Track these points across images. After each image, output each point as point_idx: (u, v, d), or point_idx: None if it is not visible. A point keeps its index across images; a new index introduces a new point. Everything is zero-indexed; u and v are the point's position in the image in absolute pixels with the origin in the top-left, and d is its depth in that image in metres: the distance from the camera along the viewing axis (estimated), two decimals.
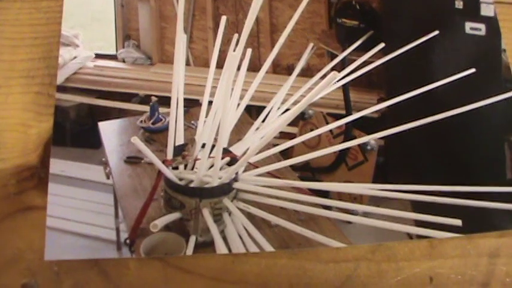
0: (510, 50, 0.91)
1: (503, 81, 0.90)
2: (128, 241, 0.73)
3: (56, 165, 0.75)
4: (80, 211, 0.77)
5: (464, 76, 0.88)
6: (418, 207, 0.78)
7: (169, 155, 0.79)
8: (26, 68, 0.80)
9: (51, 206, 0.71)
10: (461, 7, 0.95)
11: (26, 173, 0.74)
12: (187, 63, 0.95)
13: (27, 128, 0.77)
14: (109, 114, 0.88)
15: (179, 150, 0.80)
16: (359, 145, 0.87)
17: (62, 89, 0.81)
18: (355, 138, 0.86)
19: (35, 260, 0.68)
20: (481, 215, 0.78)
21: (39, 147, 0.75)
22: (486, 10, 0.94)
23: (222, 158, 0.78)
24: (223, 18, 0.91)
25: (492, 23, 0.93)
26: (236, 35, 0.88)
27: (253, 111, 0.88)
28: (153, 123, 0.87)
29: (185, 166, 0.80)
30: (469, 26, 0.94)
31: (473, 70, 0.88)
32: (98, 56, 0.92)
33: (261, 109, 0.88)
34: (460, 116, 0.84)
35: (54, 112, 0.78)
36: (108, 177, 0.83)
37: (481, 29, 0.93)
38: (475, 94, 0.86)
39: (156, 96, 0.88)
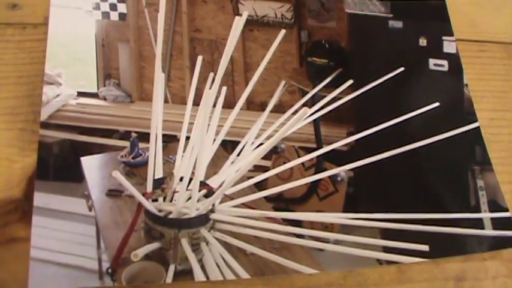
0: (471, 85, 0.95)
1: (465, 114, 0.93)
2: (109, 270, 0.75)
3: (40, 199, 0.77)
4: (63, 242, 0.78)
5: (429, 109, 0.92)
6: (386, 234, 0.81)
7: (149, 188, 0.81)
8: (11, 105, 0.83)
9: (36, 238, 0.73)
10: (425, 44, 0.99)
11: (10, 206, 0.76)
12: (166, 101, 0.96)
13: (11, 162, 0.79)
14: (91, 149, 0.89)
15: (158, 184, 0.82)
16: (329, 177, 0.88)
17: (45, 125, 0.84)
18: (325, 170, 0.88)
19: None
20: (447, 240, 0.82)
21: (23, 181, 0.78)
22: (448, 47, 0.98)
23: (199, 191, 0.81)
24: (200, 58, 0.94)
25: (454, 59, 0.97)
26: (212, 74, 0.91)
27: (228, 146, 0.90)
28: (133, 158, 0.88)
29: (164, 198, 0.82)
30: (432, 63, 0.97)
31: (437, 104, 0.92)
32: (80, 94, 0.94)
33: (235, 144, 0.90)
34: (426, 147, 0.87)
35: (38, 148, 0.80)
36: (90, 210, 0.84)
37: (444, 65, 0.97)
38: (439, 126, 0.90)
39: (135, 132, 0.90)
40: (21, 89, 0.85)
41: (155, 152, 0.83)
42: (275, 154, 0.93)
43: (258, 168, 0.88)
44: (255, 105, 0.98)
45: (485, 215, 0.87)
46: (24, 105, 0.84)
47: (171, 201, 0.82)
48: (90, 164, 0.88)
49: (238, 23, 0.88)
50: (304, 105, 0.95)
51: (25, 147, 0.81)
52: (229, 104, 0.92)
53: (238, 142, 0.90)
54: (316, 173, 0.90)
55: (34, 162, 0.79)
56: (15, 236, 0.74)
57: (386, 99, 0.96)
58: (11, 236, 0.74)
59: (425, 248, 0.76)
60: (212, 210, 0.80)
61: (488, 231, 0.85)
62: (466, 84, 0.96)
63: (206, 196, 0.82)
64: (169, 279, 0.74)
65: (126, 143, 0.90)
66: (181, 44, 1.03)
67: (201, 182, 0.81)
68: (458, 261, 0.79)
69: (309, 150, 0.91)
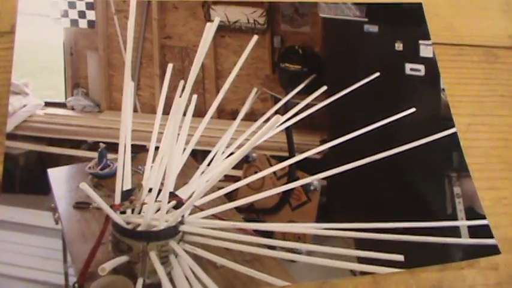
0: (449, 89, 0.94)
1: (442, 119, 0.92)
2: (76, 285, 0.74)
3: (5, 212, 0.77)
4: (28, 257, 0.77)
5: (405, 115, 0.91)
6: (360, 244, 0.80)
7: (117, 199, 0.79)
8: None
9: (0, 252, 0.73)
10: (401, 49, 0.98)
11: None
12: (135, 110, 0.96)
13: None
14: (58, 161, 0.88)
15: (127, 195, 0.80)
16: (302, 186, 0.88)
17: (11, 136, 0.83)
18: (298, 179, 0.87)
19: None
20: (423, 249, 0.80)
21: None
22: (425, 51, 0.97)
23: (169, 202, 0.79)
24: (170, 66, 0.93)
25: (431, 64, 0.96)
26: (182, 82, 0.90)
27: (198, 156, 0.89)
28: (101, 169, 0.87)
29: (132, 210, 0.80)
30: (409, 67, 0.97)
31: (413, 109, 0.91)
32: (48, 104, 0.92)
33: (206, 153, 0.89)
34: (402, 154, 0.86)
35: (4, 159, 0.80)
36: (57, 223, 0.82)
37: (420, 69, 0.96)
38: (416, 132, 0.89)
39: (104, 142, 0.88)
40: None
41: (124, 162, 0.81)
42: (246, 163, 0.92)
43: (229, 178, 0.87)
44: (226, 113, 0.97)
45: (463, 223, 0.86)
46: None
47: (139, 213, 0.80)
48: (57, 176, 0.87)
49: (210, 29, 0.87)
50: (276, 112, 0.94)
51: None
52: (199, 113, 0.91)
53: (209, 151, 0.89)
54: (288, 182, 0.89)
55: None
56: None
57: (361, 105, 0.95)
58: None
59: (400, 258, 0.75)
60: (182, 222, 0.79)
61: (466, 240, 0.84)
62: (443, 89, 0.95)
63: (175, 207, 0.81)
64: None
65: (95, 154, 0.89)
66: (152, 51, 1.02)
67: (170, 193, 0.79)
68: (435, 270, 0.79)
69: (282, 159, 0.90)
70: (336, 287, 0.76)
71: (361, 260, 0.77)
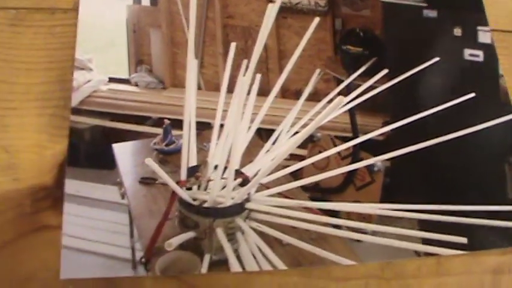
0: (507, 75, 0.94)
1: (501, 105, 0.92)
2: (143, 260, 0.74)
3: (72, 186, 0.76)
4: (95, 230, 0.77)
5: (464, 100, 0.91)
6: (424, 225, 0.80)
7: (183, 176, 0.80)
8: (41, 91, 0.82)
9: (67, 226, 0.72)
10: (459, 34, 0.97)
11: (41, 193, 0.75)
12: (199, 88, 0.96)
13: (42, 149, 0.78)
14: (123, 136, 0.89)
15: (192, 172, 0.81)
16: (366, 166, 0.88)
17: (76, 111, 0.82)
18: (362, 160, 0.88)
19: (50, 279, 0.69)
20: (485, 232, 0.80)
21: (54, 168, 0.76)
22: (483, 37, 0.96)
23: (235, 179, 0.79)
24: (233, 45, 0.93)
25: (489, 50, 0.96)
26: (245, 61, 0.90)
27: (263, 134, 0.89)
28: (166, 145, 0.88)
29: (198, 187, 0.81)
30: (467, 53, 0.96)
31: (472, 94, 0.91)
32: (111, 80, 0.93)
33: (270, 132, 0.89)
34: (462, 138, 0.86)
35: (69, 134, 0.79)
36: (123, 198, 0.83)
37: (479, 55, 0.96)
38: (475, 118, 0.88)
39: (168, 119, 0.89)
40: (52, 74, 0.83)
41: (189, 139, 0.82)
42: (311, 143, 0.92)
43: (294, 157, 0.87)
44: (290, 93, 0.97)
45: None
46: (54, 91, 0.82)
47: (205, 189, 0.81)
48: (122, 151, 0.88)
49: (272, 10, 0.87)
50: (339, 93, 0.94)
51: (56, 133, 0.79)
52: (263, 92, 0.91)
53: (273, 130, 0.89)
54: (352, 162, 0.89)
55: (65, 148, 0.78)
56: (47, 224, 0.73)
57: (421, 88, 0.95)
58: (42, 224, 0.73)
59: (463, 240, 0.75)
60: (248, 200, 0.79)
61: None
62: (502, 75, 0.94)
63: (241, 185, 0.81)
64: (204, 269, 0.73)
65: (159, 130, 0.89)
66: (214, 30, 1.02)
67: (236, 170, 0.79)
68: (496, 254, 0.78)
69: (345, 140, 0.90)
70: (400, 267, 0.75)
71: (425, 241, 0.77)
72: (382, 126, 0.90)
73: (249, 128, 0.87)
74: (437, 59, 0.94)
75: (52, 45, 0.86)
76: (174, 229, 0.77)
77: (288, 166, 0.84)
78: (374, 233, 0.78)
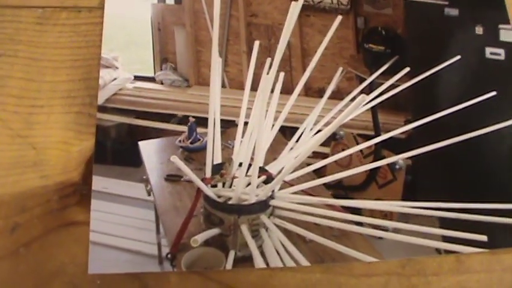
0: None
1: None
2: (169, 255, 0.75)
3: (99, 183, 0.77)
4: (122, 227, 0.79)
5: (486, 98, 0.91)
6: (445, 223, 0.80)
7: (208, 173, 0.81)
8: (67, 88, 0.83)
9: (95, 222, 0.74)
10: (481, 33, 0.97)
11: (68, 190, 0.76)
12: (223, 86, 0.97)
13: (69, 146, 0.79)
14: (148, 134, 0.90)
15: (217, 169, 0.82)
16: (388, 164, 0.88)
17: (102, 109, 0.83)
18: (384, 158, 0.88)
19: (78, 273, 0.70)
20: (505, 231, 0.81)
21: (81, 164, 0.78)
22: (505, 36, 0.96)
23: (259, 177, 0.80)
24: (256, 43, 0.93)
25: (511, 48, 0.96)
26: (269, 59, 0.91)
27: (287, 132, 0.90)
28: (191, 143, 0.89)
29: (223, 184, 0.82)
30: (488, 51, 0.96)
31: (494, 93, 0.91)
32: (137, 78, 0.94)
33: (294, 130, 0.90)
34: (483, 137, 0.86)
35: (96, 131, 0.81)
36: (149, 194, 0.85)
37: (500, 53, 0.96)
38: (496, 116, 0.88)
39: (193, 117, 0.90)
40: (78, 72, 0.84)
41: (213, 137, 0.82)
42: (334, 141, 0.93)
43: (317, 155, 0.88)
44: (313, 91, 0.98)
45: None
46: (80, 89, 0.83)
47: (230, 187, 0.82)
48: (148, 149, 0.89)
49: (295, 8, 0.87)
50: (361, 92, 0.94)
51: (82, 130, 0.80)
52: (287, 90, 0.91)
53: (297, 128, 0.90)
54: (374, 160, 0.90)
55: (92, 145, 0.79)
56: (74, 220, 0.74)
57: (443, 87, 0.95)
58: (70, 220, 0.74)
59: (483, 238, 0.75)
60: (272, 197, 0.80)
61: None
62: None
63: (265, 182, 0.82)
64: (229, 265, 0.74)
65: (184, 128, 0.90)
66: (238, 28, 1.03)
67: (260, 167, 0.80)
68: None
69: (367, 138, 0.90)
70: (421, 264, 0.76)
71: (446, 239, 0.77)
72: (404, 125, 0.90)
73: (273, 126, 0.88)
74: (458, 57, 0.94)
75: (78, 43, 0.87)
76: (199, 226, 0.79)
77: (311, 164, 0.85)
78: (395, 231, 0.79)
